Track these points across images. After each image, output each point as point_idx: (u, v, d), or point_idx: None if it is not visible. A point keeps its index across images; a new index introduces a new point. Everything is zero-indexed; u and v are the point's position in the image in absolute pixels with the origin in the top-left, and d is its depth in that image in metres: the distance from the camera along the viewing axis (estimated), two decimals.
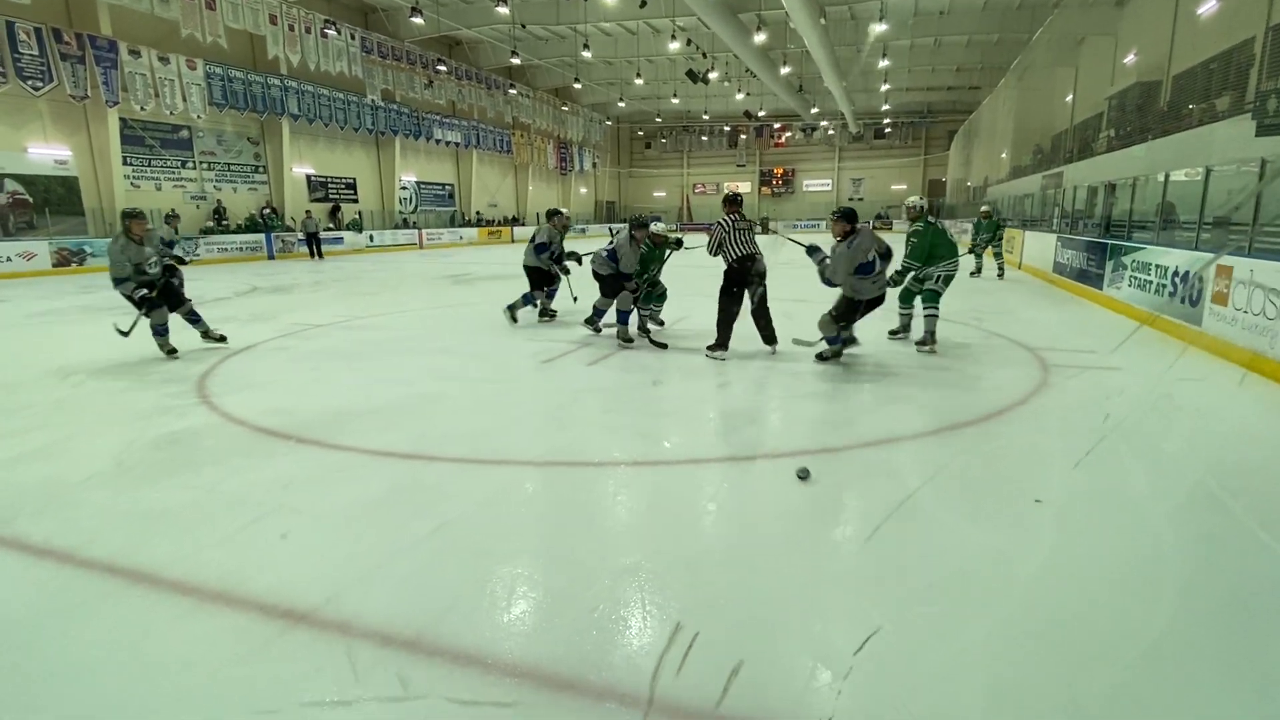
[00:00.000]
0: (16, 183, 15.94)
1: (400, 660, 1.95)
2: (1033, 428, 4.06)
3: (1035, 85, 21.48)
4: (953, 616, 2.14)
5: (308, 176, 23.83)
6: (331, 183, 24.90)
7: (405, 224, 27.31)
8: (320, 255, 20.95)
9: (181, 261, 6.43)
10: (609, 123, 43.09)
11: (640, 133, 46.31)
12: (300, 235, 20.99)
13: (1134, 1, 16.66)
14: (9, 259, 14.53)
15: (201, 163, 20.27)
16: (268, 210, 21.83)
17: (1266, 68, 9.52)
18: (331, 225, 23.85)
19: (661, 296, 7.14)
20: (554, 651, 1.98)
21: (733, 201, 5.98)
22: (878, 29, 20.53)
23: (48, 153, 16.49)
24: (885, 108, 38.15)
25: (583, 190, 43.01)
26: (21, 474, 3.43)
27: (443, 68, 26.06)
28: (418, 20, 19.72)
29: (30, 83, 15.18)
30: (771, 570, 2.45)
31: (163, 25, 17.23)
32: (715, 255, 5.90)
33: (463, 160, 31.42)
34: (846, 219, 5.45)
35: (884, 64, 25.51)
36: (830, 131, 42.47)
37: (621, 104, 37.25)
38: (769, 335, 6.09)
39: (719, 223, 5.87)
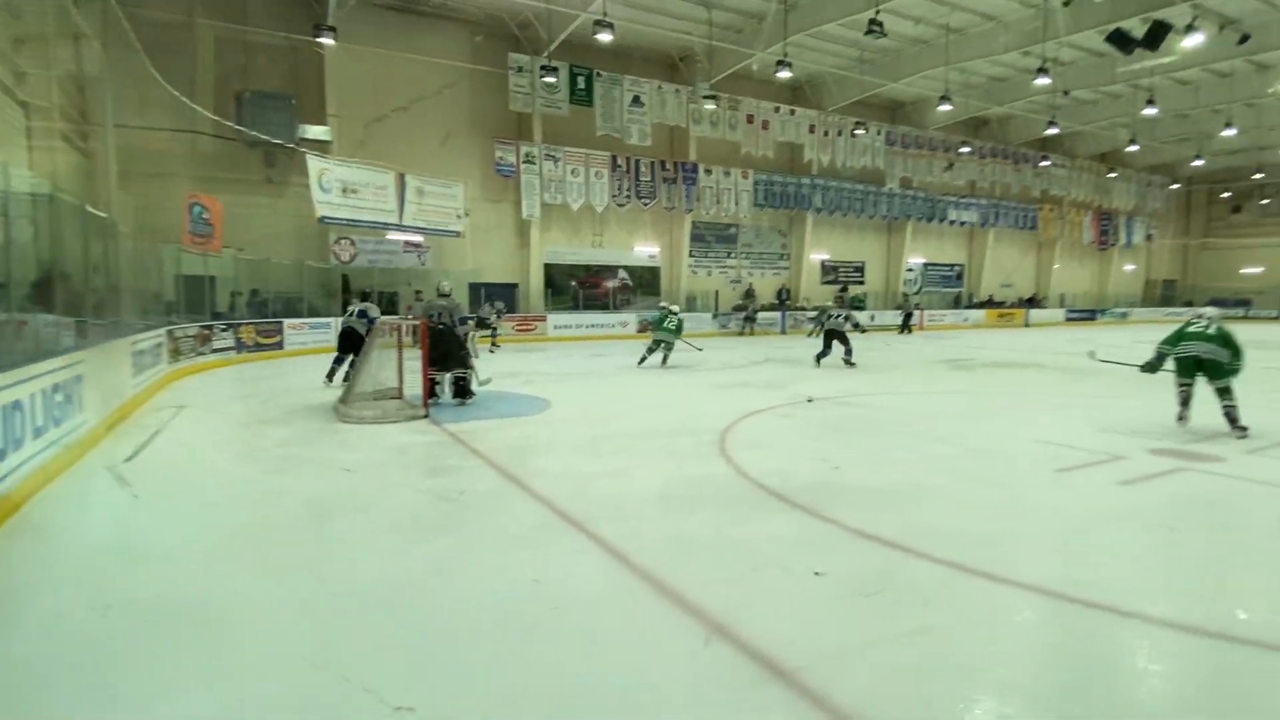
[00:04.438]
0: (625, 272, 21.99)
1: None
2: None
3: None
4: None
5: (822, 262, 26.21)
6: (842, 267, 26.80)
7: (902, 305, 27.30)
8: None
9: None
10: (1175, 186, 35.11)
11: (1225, 194, 36.19)
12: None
13: None
14: (611, 325, 20.15)
15: (741, 253, 24.39)
16: (783, 291, 24.83)
17: None
18: (842, 302, 25.57)
19: None
20: None
21: None
22: None
23: (645, 250, 22.29)
24: None
25: (1129, 267, 35.82)
26: (604, 487, 4.65)
27: (965, 149, 25.58)
28: (944, 107, 19.90)
29: (642, 200, 20.92)
30: None
31: (728, 147, 21.63)
32: None
33: (976, 239, 29.89)
34: None
35: None
36: None
37: (1198, 162, 29.87)
38: None
39: None
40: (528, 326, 18.75)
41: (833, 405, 8.11)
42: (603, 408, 8.09)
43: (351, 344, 9.24)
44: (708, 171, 21.78)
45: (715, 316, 22.27)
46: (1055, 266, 32.17)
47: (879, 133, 24.32)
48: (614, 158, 20.14)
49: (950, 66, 19.58)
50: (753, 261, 24.72)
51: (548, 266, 20.39)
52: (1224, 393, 6.24)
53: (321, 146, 16.15)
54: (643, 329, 20.37)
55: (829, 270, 26.48)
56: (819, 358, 12.48)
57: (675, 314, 12.31)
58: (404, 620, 2.78)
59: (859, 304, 25.25)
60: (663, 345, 12.24)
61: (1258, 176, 32.89)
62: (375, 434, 6.48)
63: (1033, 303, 30.99)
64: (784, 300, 24.60)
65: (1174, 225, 37.23)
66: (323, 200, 15.77)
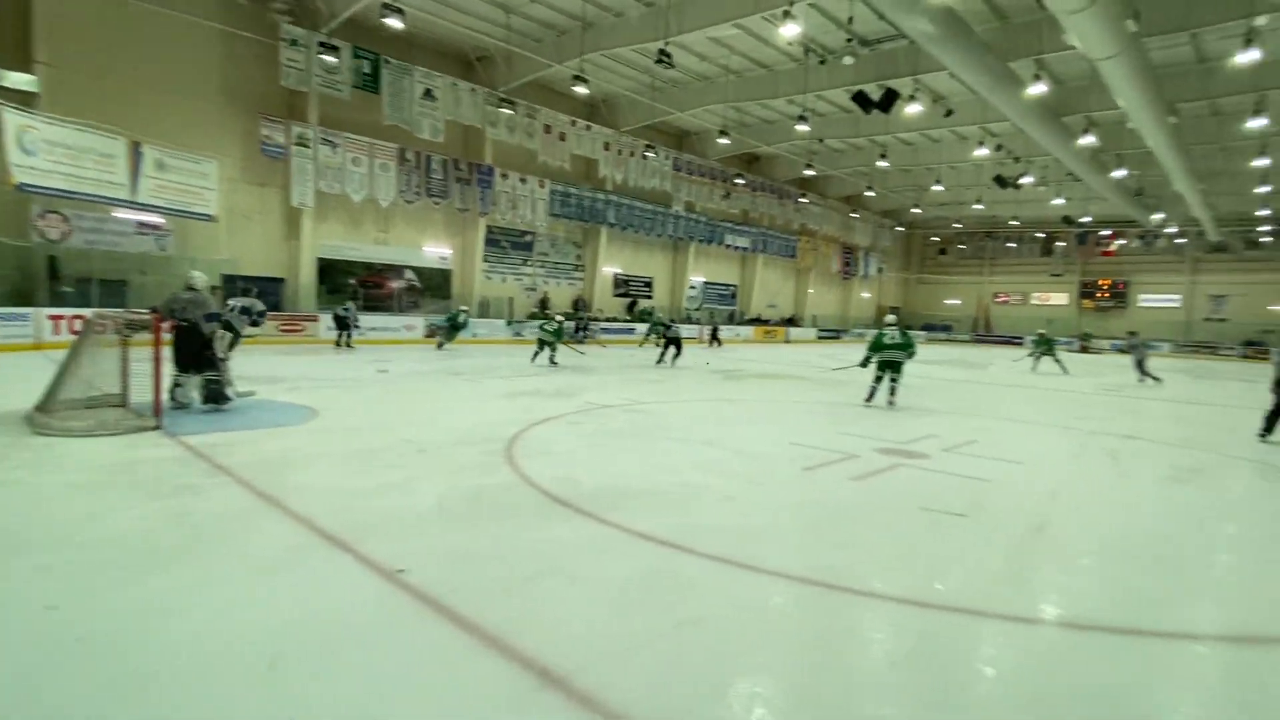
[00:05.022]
0: (413, 273, 20.84)
1: None
2: None
3: None
4: None
5: (614, 275, 27.18)
6: (633, 281, 28.03)
7: (689, 320, 29.33)
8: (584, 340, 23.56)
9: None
10: (900, 229, 42.02)
11: (935, 238, 44.21)
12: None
13: None
14: (397, 329, 18.96)
15: (537, 261, 24.42)
16: (579, 302, 25.30)
17: None
18: (629, 316, 26.70)
19: None
20: None
21: None
22: (1253, 124, 17.19)
23: (436, 251, 21.35)
24: (1263, 213, 31.16)
25: (865, 295, 42.10)
26: (376, 502, 4.31)
27: (740, 181, 28.20)
28: (723, 141, 21.79)
29: (434, 198, 20.04)
30: None
31: (525, 154, 21.57)
32: None
33: (748, 263, 33.08)
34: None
35: (1262, 163, 21.09)
36: (1180, 240, 35.65)
37: (916, 210, 36.18)
38: None
39: None
40: (295, 327, 16.94)
41: (619, 412, 8.39)
42: (380, 417, 7.54)
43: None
44: (504, 176, 21.51)
45: (510, 324, 22.01)
46: (810, 291, 36.73)
47: (667, 157, 25.89)
48: (402, 150, 19.07)
49: (729, 104, 21.50)
50: (548, 270, 24.88)
51: (322, 261, 18.65)
52: (897, 380, 9.58)
53: (24, 98, 13.23)
54: (430, 334, 19.54)
55: (621, 283, 27.54)
56: (660, 360, 15.84)
57: (556, 319, 15.09)
58: (117, 669, 2.31)
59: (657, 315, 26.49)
60: (547, 346, 14.36)
61: (957, 226, 40.60)
62: (89, 449, 5.38)
63: (792, 322, 35.03)
64: (580, 310, 25.06)
65: (899, 261, 44.53)
66: (24, 164, 12.93)
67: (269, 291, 17.32)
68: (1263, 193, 26.84)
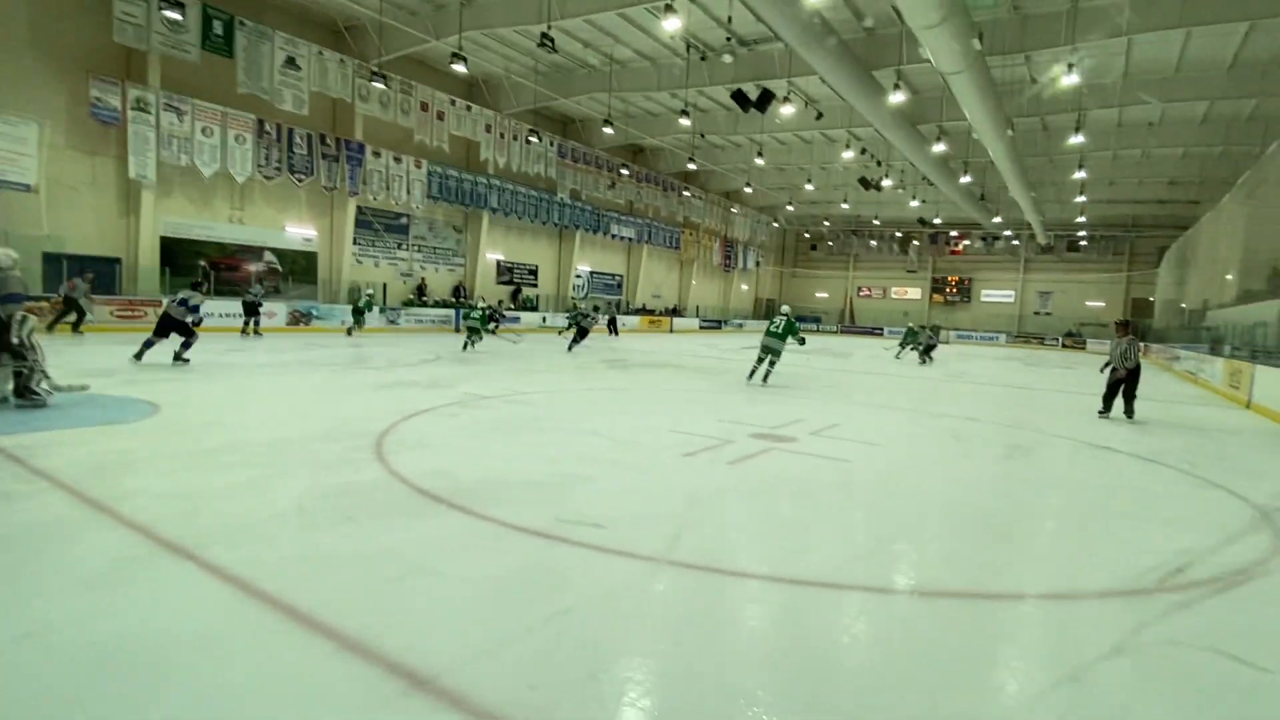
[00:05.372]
0: (274, 255, 19.29)
1: None
2: None
3: (1272, 201, 18.97)
4: None
5: (497, 262, 26.54)
6: (517, 268, 27.51)
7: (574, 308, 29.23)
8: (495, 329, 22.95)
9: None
10: (776, 224, 43.97)
11: (807, 235, 46.66)
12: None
13: None
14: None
15: (413, 245, 23.35)
16: (459, 289, 24.50)
17: None
18: (512, 305, 26.21)
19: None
20: None
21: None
22: (1074, 141, 19.43)
23: (299, 232, 19.88)
24: (1080, 220, 35.43)
25: (744, 287, 43.74)
26: (225, 505, 3.96)
27: (625, 171, 28.36)
28: (608, 130, 21.76)
29: (296, 175, 18.63)
30: None
31: (400, 131, 20.52)
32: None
33: (633, 254, 33.41)
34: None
35: (1080, 175, 23.94)
36: (1015, 242, 39.90)
37: (790, 207, 37.96)
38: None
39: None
40: (134, 312, 15.25)
41: (500, 403, 8.21)
42: (231, 412, 6.94)
43: (164, 329, 9.89)
44: (376, 154, 20.37)
45: (383, 311, 20.94)
46: (693, 282, 37.67)
47: (552, 143, 25.55)
48: (261, 122, 17.56)
49: (613, 94, 21.50)
50: (426, 255, 23.89)
51: (166, 241, 16.86)
52: (774, 364, 11.22)
53: None
54: (295, 320, 18.33)
55: (504, 270, 26.95)
56: (571, 346, 17.08)
57: (479, 306, 16.19)
58: None
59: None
60: (471, 334, 15.13)
61: (826, 224, 43.06)
62: None
63: (676, 312, 35.79)
64: (460, 297, 24.26)
65: (775, 256, 46.60)
66: None
67: (103, 273, 15.49)
68: (1080, 202, 30.52)
